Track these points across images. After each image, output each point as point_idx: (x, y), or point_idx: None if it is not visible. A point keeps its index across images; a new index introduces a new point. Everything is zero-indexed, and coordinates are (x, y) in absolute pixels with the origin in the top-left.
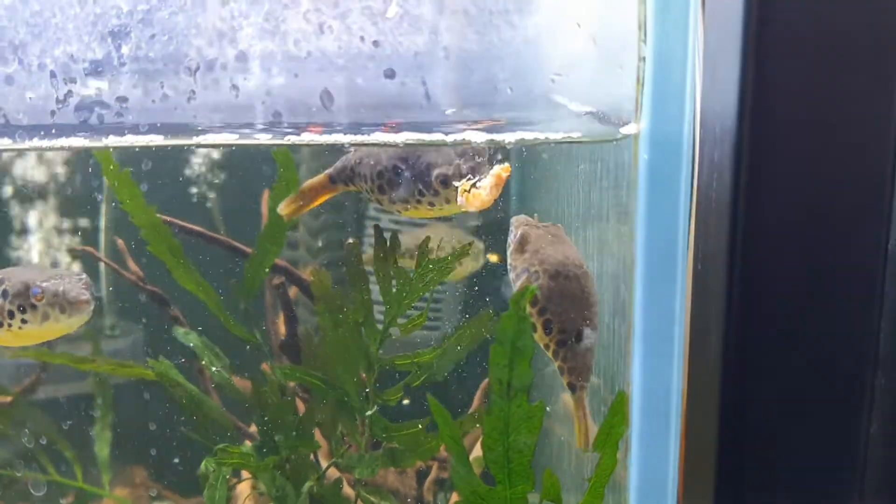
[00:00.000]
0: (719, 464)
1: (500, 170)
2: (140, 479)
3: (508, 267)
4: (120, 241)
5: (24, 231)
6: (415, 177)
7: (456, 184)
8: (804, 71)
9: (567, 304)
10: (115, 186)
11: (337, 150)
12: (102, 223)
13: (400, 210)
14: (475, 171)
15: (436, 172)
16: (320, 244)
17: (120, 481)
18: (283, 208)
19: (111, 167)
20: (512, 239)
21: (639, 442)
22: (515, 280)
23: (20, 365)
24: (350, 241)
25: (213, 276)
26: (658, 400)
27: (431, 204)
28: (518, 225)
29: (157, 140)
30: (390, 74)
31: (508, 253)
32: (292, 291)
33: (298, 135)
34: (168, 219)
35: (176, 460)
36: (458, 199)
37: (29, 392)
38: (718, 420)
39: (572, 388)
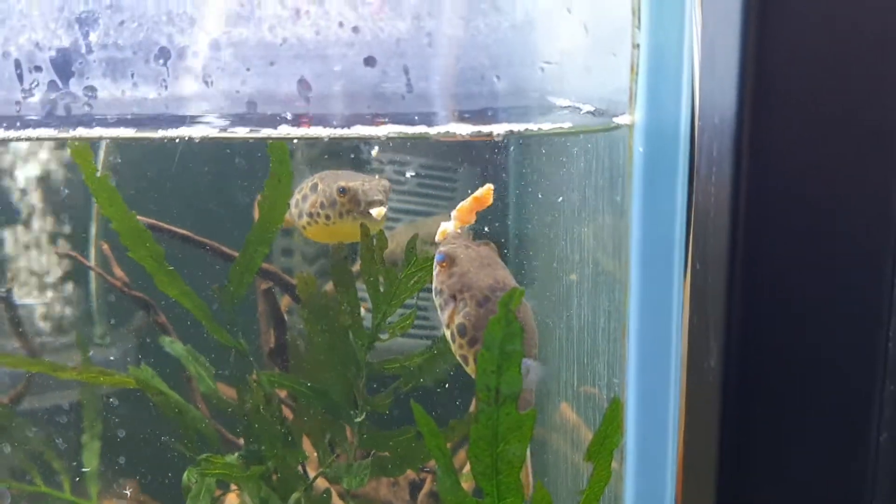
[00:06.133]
0: (720, 475)
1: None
2: (131, 491)
3: (433, 290)
4: (105, 246)
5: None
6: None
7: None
8: (810, 56)
9: None
10: (95, 190)
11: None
12: (93, 228)
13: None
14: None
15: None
16: (316, 251)
17: (110, 494)
18: None
19: (90, 171)
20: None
21: (635, 451)
22: (443, 306)
23: (6, 374)
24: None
25: (201, 282)
26: (655, 406)
27: (328, 217)
28: (446, 242)
29: (127, 133)
30: (371, 62)
31: (434, 274)
32: (286, 300)
33: (275, 127)
34: (151, 221)
35: (170, 473)
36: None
37: (16, 401)
38: (719, 429)
39: None
